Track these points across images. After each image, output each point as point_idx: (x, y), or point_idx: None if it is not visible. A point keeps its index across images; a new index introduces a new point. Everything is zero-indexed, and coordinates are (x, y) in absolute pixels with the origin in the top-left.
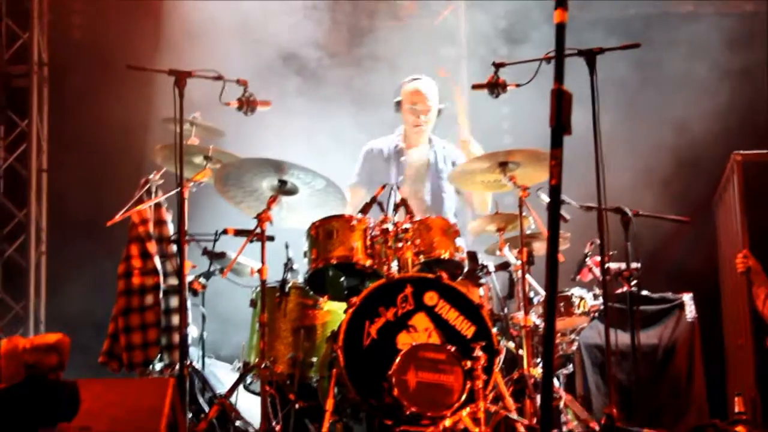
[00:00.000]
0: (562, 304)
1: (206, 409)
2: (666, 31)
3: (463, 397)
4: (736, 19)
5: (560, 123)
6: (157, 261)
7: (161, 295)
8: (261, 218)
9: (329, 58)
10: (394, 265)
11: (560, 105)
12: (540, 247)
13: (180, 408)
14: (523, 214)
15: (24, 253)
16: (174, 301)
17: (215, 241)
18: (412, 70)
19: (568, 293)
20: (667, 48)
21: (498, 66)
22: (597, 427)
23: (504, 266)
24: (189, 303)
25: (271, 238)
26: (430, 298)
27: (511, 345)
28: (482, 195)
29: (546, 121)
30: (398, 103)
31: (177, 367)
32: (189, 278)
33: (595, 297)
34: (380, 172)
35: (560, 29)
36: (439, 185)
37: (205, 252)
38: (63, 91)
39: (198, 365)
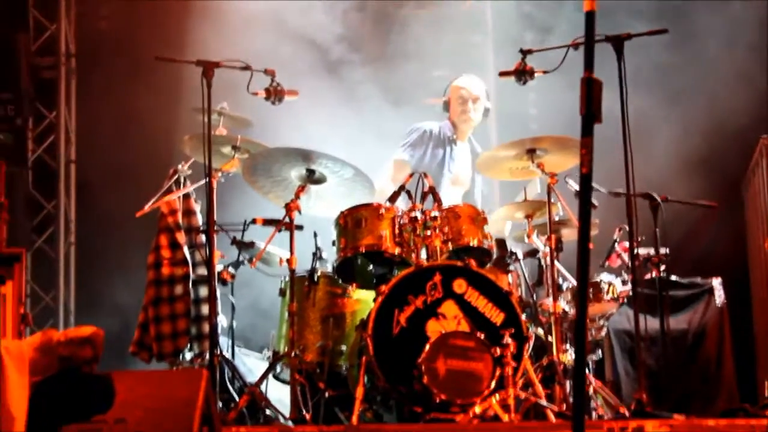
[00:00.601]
0: (591, 290)
1: (236, 398)
2: (698, 13)
3: (493, 384)
4: None
5: (590, 111)
6: (186, 251)
7: (190, 285)
8: (289, 207)
9: (355, 46)
10: (423, 253)
11: (590, 93)
12: (568, 234)
13: (213, 399)
14: (551, 201)
15: (53, 244)
16: (203, 291)
17: (244, 230)
18: (439, 58)
19: (597, 279)
20: (699, 31)
21: (525, 53)
22: (627, 413)
23: (532, 253)
24: (218, 293)
25: (300, 228)
26: (459, 285)
27: (540, 332)
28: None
29: (573, 107)
30: (446, 104)
31: (207, 356)
32: (218, 268)
33: (624, 283)
34: (430, 150)
35: (590, 17)
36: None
37: (234, 242)
38: (91, 83)
39: (228, 355)
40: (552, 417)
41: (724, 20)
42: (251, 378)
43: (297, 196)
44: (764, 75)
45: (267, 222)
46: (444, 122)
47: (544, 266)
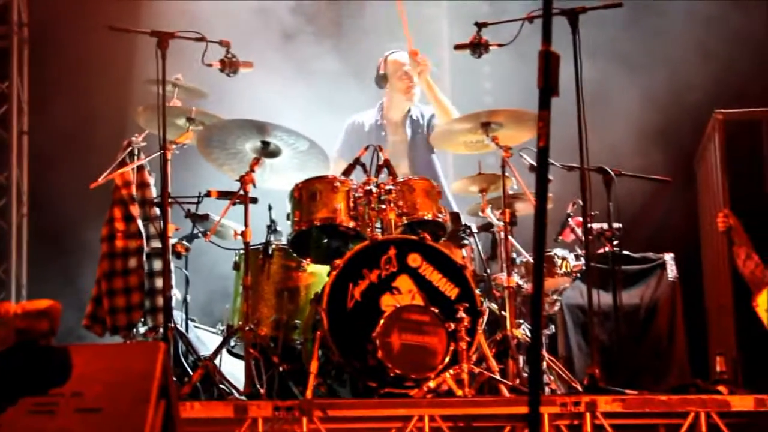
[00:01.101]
0: (544, 264)
1: (190, 372)
2: None
3: (447, 359)
4: None
5: (548, 84)
6: (140, 223)
7: (144, 258)
8: (244, 180)
9: (309, 17)
10: (378, 226)
11: (548, 66)
12: (522, 208)
13: (171, 372)
14: (506, 174)
15: (5, 216)
16: (157, 264)
17: (198, 203)
18: (393, 30)
19: (551, 253)
20: (654, 5)
21: (480, 26)
22: (579, 388)
23: (487, 227)
24: (172, 266)
25: (255, 201)
26: (414, 259)
27: (494, 306)
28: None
29: (527, 80)
30: (382, 77)
31: (161, 330)
32: (172, 241)
33: (577, 257)
34: (360, 145)
35: None
36: (423, 156)
37: (188, 214)
38: (44, 53)
39: (182, 328)
40: (505, 392)
41: None
42: (205, 352)
43: (252, 169)
44: (720, 49)
45: (221, 195)
46: (376, 109)
47: (498, 240)
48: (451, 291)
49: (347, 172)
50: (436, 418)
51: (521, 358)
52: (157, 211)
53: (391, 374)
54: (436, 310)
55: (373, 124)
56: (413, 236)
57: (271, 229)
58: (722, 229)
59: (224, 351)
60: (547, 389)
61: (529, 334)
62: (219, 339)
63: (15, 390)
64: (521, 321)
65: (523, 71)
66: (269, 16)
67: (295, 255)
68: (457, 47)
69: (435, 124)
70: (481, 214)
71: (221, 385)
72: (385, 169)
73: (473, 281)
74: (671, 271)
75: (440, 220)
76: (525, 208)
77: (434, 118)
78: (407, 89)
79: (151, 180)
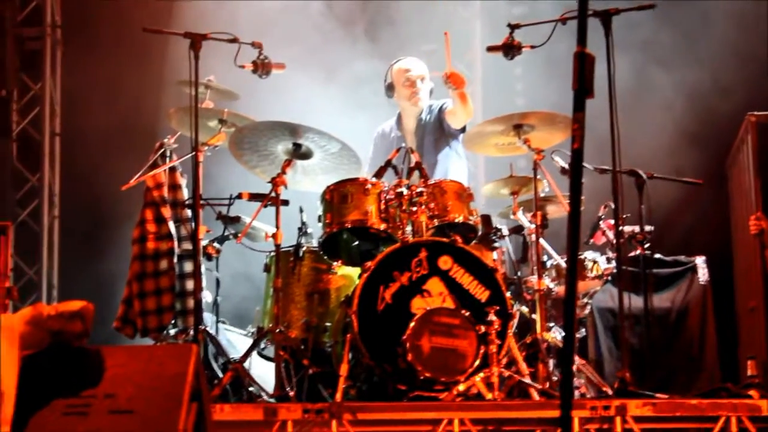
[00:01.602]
0: None
1: (220, 374)
2: None
3: (477, 362)
4: None
5: (583, 86)
6: (171, 226)
7: (175, 260)
8: (275, 182)
9: (344, 20)
10: (409, 229)
11: (583, 68)
12: (553, 211)
13: (203, 375)
14: (537, 177)
15: (37, 218)
16: (188, 266)
17: (230, 205)
18: (427, 32)
19: (582, 256)
20: (687, 5)
21: (513, 27)
22: (610, 391)
23: (518, 230)
24: (203, 268)
25: (286, 203)
26: (445, 262)
27: (525, 309)
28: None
29: (559, 82)
30: (389, 87)
31: (191, 332)
32: (203, 243)
33: (608, 260)
34: (387, 155)
35: None
36: (431, 159)
37: (220, 216)
38: (77, 54)
39: (212, 330)
40: (535, 395)
41: None
42: (235, 354)
43: (283, 171)
44: (754, 51)
45: (253, 196)
46: (393, 118)
47: (529, 243)
48: (482, 294)
49: (379, 174)
50: (466, 421)
51: (551, 362)
52: (188, 213)
53: (421, 377)
54: (467, 313)
55: (394, 135)
56: (444, 239)
57: (302, 231)
58: (754, 231)
59: (254, 353)
60: (577, 393)
61: (559, 338)
62: (249, 341)
63: (48, 391)
64: (552, 324)
65: (555, 73)
66: (302, 17)
67: (325, 257)
68: (490, 49)
69: (448, 110)
70: (512, 216)
71: (251, 388)
72: (417, 172)
73: (504, 284)
74: (702, 274)
75: (471, 222)
76: (556, 211)
77: (447, 105)
78: (411, 95)
79: (183, 182)
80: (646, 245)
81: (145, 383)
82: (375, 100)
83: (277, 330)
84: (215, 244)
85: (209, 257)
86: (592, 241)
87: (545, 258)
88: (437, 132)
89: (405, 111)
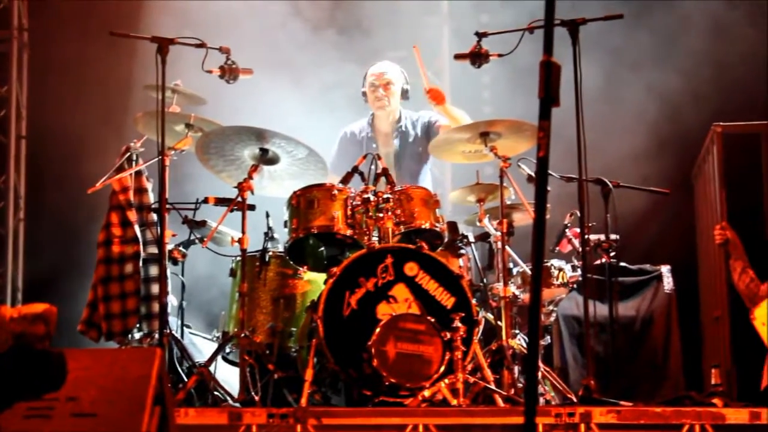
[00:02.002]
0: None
1: (185, 378)
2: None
3: (442, 368)
4: None
5: (549, 94)
6: (137, 229)
7: (141, 263)
8: (242, 187)
9: (311, 25)
10: (375, 235)
11: (549, 76)
12: (519, 218)
13: (167, 378)
14: (504, 184)
15: (2, 220)
16: (153, 270)
17: (196, 209)
18: (394, 39)
19: (547, 264)
20: (653, 18)
21: (481, 36)
22: (574, 399)
23: (484, 237)
24: (169, 272)
25: (252, 207)
26: (411, 268)
27: (490, 316)
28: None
29: (527, 91)
30: (363, 93)
31: (156, 336)
32: (169, 247)
33: (574, 268)
34: (354, 157)
35: (549, 1)
36: (411, 167)
37: (186, 221)
38: (43, 57)
39: (177, 334)
40: (500, 402)
41: (681, 4)
42: (200, 358)
43: (250, 176)
44: (717, 62)
45: (219, 201)
46: (366, 121)
47: (495, 250)
48: (448, 300)
49: (345, 180)
50: (431, 427)
51: (516, 369)
52: (154, 216)
53: (386, 383)
54: (432, 319)
55: (364, 135)
56: (410, 245)
57: (268, 236)
58: (719, 241)
59: (219, 358)
60: (541, 400)
61: (524, 345)
62: (214, 346)
63: (10, 394)
64: (517, 331)
65: (521, 82)
66: (269, 21)
67: (291, 262)
68: (457, 57)
69: (442, 126)
70: (478, 223)
71: (216, 392)
72: (383, 178)
73: (470, 291)
74: (667, 283)
75: (437, 229)
76: (522, 219)
77: (438, 121)
78: (375, 99)
79: (149, 186)
80: (612, 254)
81: (109, 386)
82: (343, 106)
83: (243, 335)
84: (181, 248)
85: (175, 261)
86: (557, 249)
87: (511, 265)
88: (423, 143)
89: (377, 115)
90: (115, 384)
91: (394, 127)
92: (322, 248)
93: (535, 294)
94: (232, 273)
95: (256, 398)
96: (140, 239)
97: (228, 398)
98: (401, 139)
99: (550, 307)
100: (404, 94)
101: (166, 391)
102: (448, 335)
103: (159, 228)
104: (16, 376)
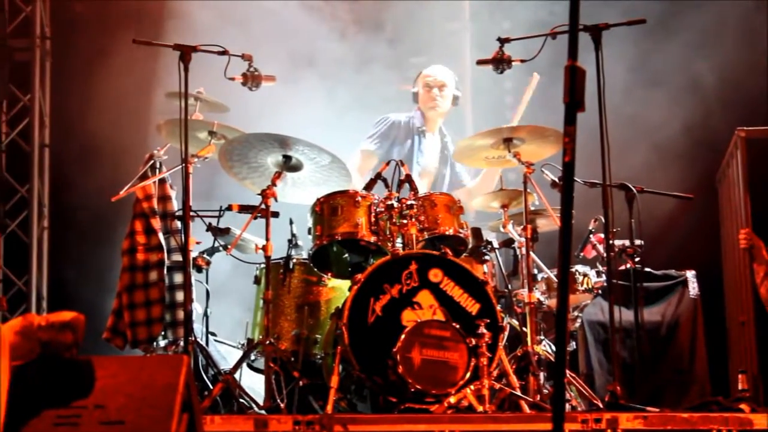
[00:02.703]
0: None
1: (210, 386)
2: (677, 7)
3: (468, 375)
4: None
5: (574, 100)
6: (161, 237)
7: (165, 271)
8: (265, 194)
9: (334, 32)
10: (399, 241)
11: (574, 81)
12: (544, 224)
13: (194, 386)
14: (527, 190)
15: (26, 228)
16: (178, 278)
17: (219, 217)
18: (416, 45)
19: (572, 270)
20: (679, 22)
21: (503, 41)
22: (600, 405)
23: (508, 243)
24: (193, 279)
25: (276, 215)
26: (435, 275)
27: (515, 322)
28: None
29: (550, 96)
30: (415, 95)
31: (181, 343)
32: (193, 254)
33: (599, 274)
34: (398, 142)
35: (574, 4)
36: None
37: (210, 228)
38: (66, 66)
39: (202, 342)
40: (526, 408)
41: (708, 10)
42: (225, 366)
43: (273, 183)
44: (743, 67)
45: (243, 208)
46: (414, 113)
47: (520, 256)
48: (472, 306)
49: (369, 187)
50: None
51: (542, 375)
52: (178, 224)
53: (412, 389)
54: (457, 326)
55: (408, 122)
56: (434, 251)
57: (292, 243)
58: (744, 246)
59: (244, 365)
60: (568, 406)
61: (549, 351)
62: (239, 353)
63: (39, 402)
64: (542, 337)
65: (546, 87)
66: (292, 30)
67: (316, 269)
68: (480, 62)
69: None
70: (502, 229)
71: (241, 400)
72: (407, 184)
73: (494, 297)
74: (693, 288)
75: (461, 235)
76: (546, 224)
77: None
78: (429, 99)
79: (173, 193)
80: (637, 259)
81: (136, 394)
82: (364, 113)
83: (268, 342)
84: (205, 256)
85: (199, 269)
86: (582, 254)
87: (535, 271)
88: (443, 157)
89: (428, 116)
90: (142, 391)
91: (439, 132)
92: (346, 255)
93: (562, 300)
94: (257, 280)
95: (282, 405)
96: (164, 247)
97: (254, 405)
98: (442, 148)
99: (575, 313)
100: (455, 100)
101: (193, 399)
102: (474, 341)
103: (183, 235)
104: (44, 385)
